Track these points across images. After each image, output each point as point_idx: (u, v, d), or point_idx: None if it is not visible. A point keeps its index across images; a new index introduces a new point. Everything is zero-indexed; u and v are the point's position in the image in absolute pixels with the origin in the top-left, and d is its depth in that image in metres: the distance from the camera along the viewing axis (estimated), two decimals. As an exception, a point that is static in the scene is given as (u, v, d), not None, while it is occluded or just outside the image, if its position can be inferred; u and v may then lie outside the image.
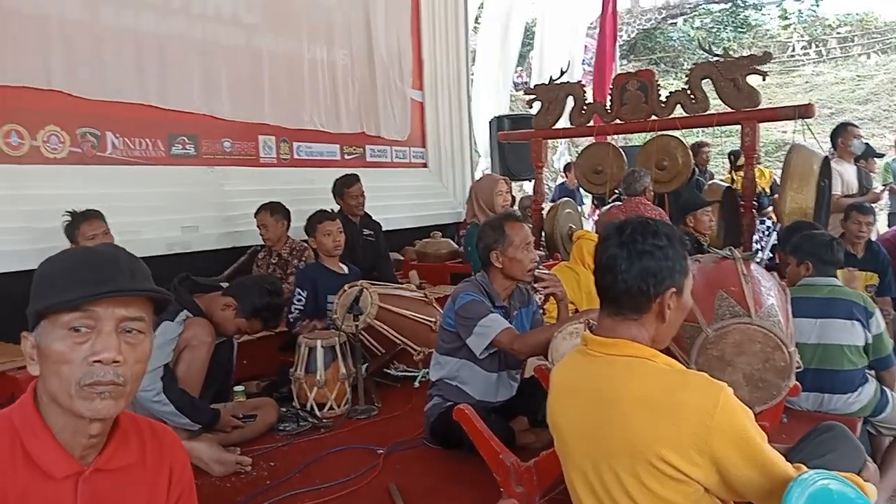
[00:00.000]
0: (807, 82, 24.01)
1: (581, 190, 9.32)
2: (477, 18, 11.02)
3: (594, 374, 1.53)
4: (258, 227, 4.73)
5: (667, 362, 1.50)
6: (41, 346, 1.17)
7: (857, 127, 5.84)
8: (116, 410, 1.20)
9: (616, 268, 1.49)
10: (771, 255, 7.10)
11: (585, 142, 7.90)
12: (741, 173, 7.67)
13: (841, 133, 5.65)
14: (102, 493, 1.23)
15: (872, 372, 3.15)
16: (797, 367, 2.19)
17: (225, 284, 3.23)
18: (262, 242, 4.83)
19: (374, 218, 5.42)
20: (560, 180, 11.37)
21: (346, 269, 4.21)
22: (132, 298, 1.21)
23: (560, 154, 12.55)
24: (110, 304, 1.17)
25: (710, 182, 7.07)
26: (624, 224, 1.54)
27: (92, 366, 1.15)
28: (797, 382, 2.23)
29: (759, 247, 7.00)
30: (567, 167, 11.38)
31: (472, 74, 10.00)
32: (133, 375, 1.21)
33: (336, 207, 5.13)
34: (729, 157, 8.27)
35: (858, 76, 23.53)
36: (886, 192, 6.86)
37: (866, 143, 5.81)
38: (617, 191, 6.30)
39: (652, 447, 1.38)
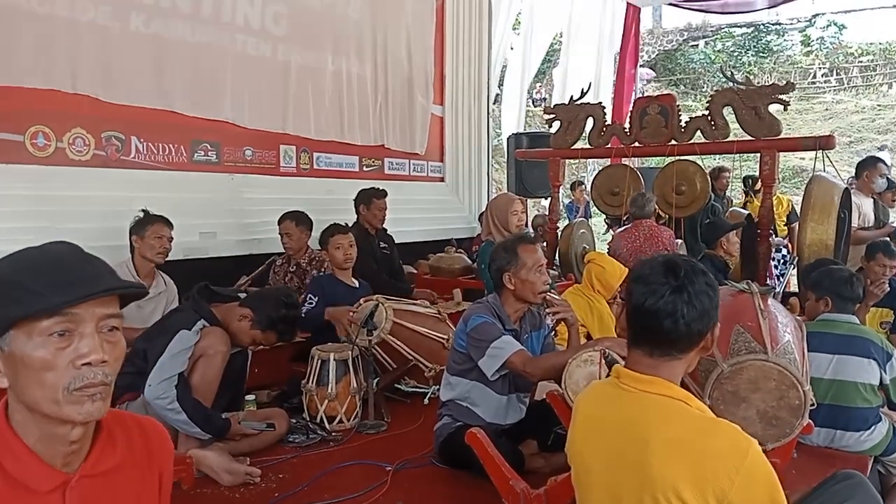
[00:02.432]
0: (827, 109, 23.94)
1: (590, 208, 9.35)
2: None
3: (626, 408, 1.54)
4: (280, 234, 4.77)
5: (699, 407, 1.52)
6: (15, 355, 1.11)
7: (886, 165, 5.81)
8: (106, 410, 1.17)
9: (677, 313, 1.47)
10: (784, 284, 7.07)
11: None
12: (757, 199, 7.66)
13: (869, 167, 5.61)
14: (92, 499, 1.20)
15: (888, 412, 3.14)
16: (811, 406, 2.19)
17: (243, 295, 3.25)
18: (281, 250, 4.87)
19: (388, 232, 5.48)
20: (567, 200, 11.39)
21: (357, 284, 4.25)
22: (109, 296, 1.17)
23: (592, 170, 12.53)
24: (90, 305, 1.13)
25: (731, 209, 7.05)
26: (671, 266, 1.51)
27: (80, 369, 1.11)
28: (810, 421, 2.22)
29: (775, 274, 6.96)
30: (574, 185, 11.39)
31: (501, 90, 10.06)
32: (115, 373, 1.18)
33: (353, 219, 5.18)
34: (744, 182, 8.21)
35: (879, 105, 23.43)
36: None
37: (889, 180, 5.78)
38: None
39: (673, 485, 1.39)
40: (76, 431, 1.16)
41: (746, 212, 6.48)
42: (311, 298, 4.05)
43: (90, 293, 1.12)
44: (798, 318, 2.71)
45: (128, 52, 4.81)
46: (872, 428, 3.00)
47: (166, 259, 4.06)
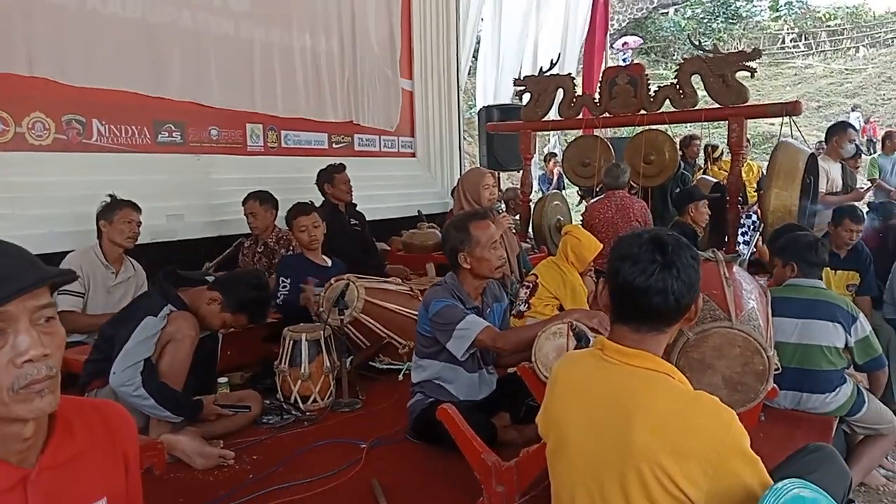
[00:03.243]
0: (796, 75, 24.15)
1: (564, 179, 9.40)
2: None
3: (610, 380, 1.55)
4: (246, 215, 4.74)
5: (682, 380, 1.53)
6: None
7: (855, 130, 5.87)
8: (57, 403, 1.14)
9: (667, 289, 1.48)
10: (755, 249, 7.14)
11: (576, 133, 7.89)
12: (717, 166, 7.73)
13: (838, 132, 5.66)
14: (56, 490, 1.17)
15: (853, 373, 3.21)
16: (776, 370, 2.23)
17: (210, 278, 3.22)
18: (249, 231, 4.83)
19: (357, 208, 5.45)
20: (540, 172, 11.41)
21: (329, 262, 4.22)
22: (39, 288, 1.12)
23: (553, 145, 12.57)
24: (21, 300, 1.08)
25: (699, 177, 7.10)
26: (659, 242, 1.51)
27: (21, 367, 1.08)
28: (775, 385, 2.25)
29: (744, 240, 7.05)
30: (547, 157, 11.41)
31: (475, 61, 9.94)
32: (59, 362, 1.14)
33: (320, 198, 5.14)
34: (705, 150, 8.27)
35: (847, 69, 23.68)
36: (872, 190, 6.90)
37: (857, 146, 5.85)
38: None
39: (656, 457, 1.40)
40: (28, 428, 1.13)
41: (714, 179, 6.54)
42: (283, 282, 4.01)
43: (18, 289, 1.07)
44: (763, 283, 2.75)
45: (86, 33, 4.68)
46: (837, 390, 3.06)
47: (135, 243, 4.00)
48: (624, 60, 23.72)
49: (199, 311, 2.98)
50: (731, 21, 27.95)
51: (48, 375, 1.10)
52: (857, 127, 15.73)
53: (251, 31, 5.85)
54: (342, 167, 5.29)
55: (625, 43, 24.61)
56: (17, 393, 1.08)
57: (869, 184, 7.07)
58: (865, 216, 4.58)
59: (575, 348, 2.33)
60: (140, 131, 5.07)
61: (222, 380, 3.42)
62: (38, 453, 1.17)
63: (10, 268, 1.09)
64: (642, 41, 26.37)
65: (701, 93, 5.45)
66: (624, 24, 27.32)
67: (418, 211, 6.60)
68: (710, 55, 5.36)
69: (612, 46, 25.31)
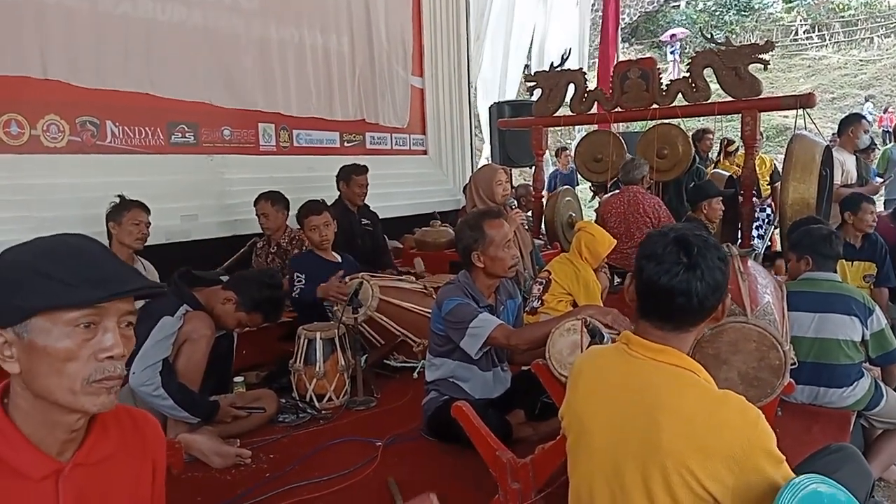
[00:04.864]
0: (809, 66, 23.91)
1: (577, 174, 9.35)
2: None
3: (635, 374, 1.54)
4: (258, 216, 4.75)
5: (707, 378, 1.53)
6: (36, 343, 1.10)
7: (869, 122, 5.82)
8: (115, 403, 1.19)
9: (691, 291, 1.47)
10: (769, 243, 7.09)
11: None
12: (729, 161, 7.67)
13: (852, 124, 5.63)
14: (86, 488, 1.20)
15: (869, 367, 3.18)
16: (792, 365, 2.21)
17: (225, 278, 3.23)
18: (262, 231, 4.85)
19: (371, 209, 5.45)
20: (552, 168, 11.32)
21: (339, 258, 4.23)
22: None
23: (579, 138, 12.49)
24: (116, 300, 1.15)
25: (712, 171, 7.06)
26: (684, 243, 1.50)
27: (102, 362, 1.14)
28: (791, 380, 2.23)
29: (758, 234, 7.00)
30: (558, 152, 11.34)
31: (482, 59, 9.91)
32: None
33: (335, 196, 5.14)
34: (721, 144, 8.20)
35: (862, 60, 23.42)
36: (885, 184, 6.81)
37: (872, 139, 5.80)
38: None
39: (682, 458, 1.40)
40: (80, 420, 1.18)
41: (727, 174, 6.49)
42: (298, 277, 4.02)
43: (124, 291, 1.16)
44: (778, 278, 2.73)
45: (98, 35, 4.71)
46: (855, 384, 3.03)
47: (145, 244, 4.02)
48: (672, 53, 23.38)
49: (215, 310, 3.00)
50: (743, 13, 27.73)
51: (120, 375, 1.18)
52: (870, 118, 15.58)
53: (262, 30, 5.86)
54: (364, 169, 5.24)
55: (672, 35, 24.17)
56: (90, 385, 1.14)
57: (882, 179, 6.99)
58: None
59: (589, 345, 2.32)
60: (153, 132, 5.10)
61: (238, 379, 3.43)
62: (75, 449, 1.21)
63: (119, 269, 1.19)
64: (688, 32, 25.74)
65: (714, 86, 5.41)
66: (635, 18, 27.18)
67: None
68: (723, 48, 5.32)
69: (660, 40, 24.90)
